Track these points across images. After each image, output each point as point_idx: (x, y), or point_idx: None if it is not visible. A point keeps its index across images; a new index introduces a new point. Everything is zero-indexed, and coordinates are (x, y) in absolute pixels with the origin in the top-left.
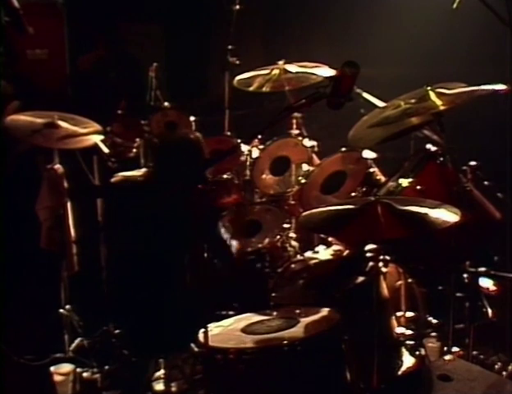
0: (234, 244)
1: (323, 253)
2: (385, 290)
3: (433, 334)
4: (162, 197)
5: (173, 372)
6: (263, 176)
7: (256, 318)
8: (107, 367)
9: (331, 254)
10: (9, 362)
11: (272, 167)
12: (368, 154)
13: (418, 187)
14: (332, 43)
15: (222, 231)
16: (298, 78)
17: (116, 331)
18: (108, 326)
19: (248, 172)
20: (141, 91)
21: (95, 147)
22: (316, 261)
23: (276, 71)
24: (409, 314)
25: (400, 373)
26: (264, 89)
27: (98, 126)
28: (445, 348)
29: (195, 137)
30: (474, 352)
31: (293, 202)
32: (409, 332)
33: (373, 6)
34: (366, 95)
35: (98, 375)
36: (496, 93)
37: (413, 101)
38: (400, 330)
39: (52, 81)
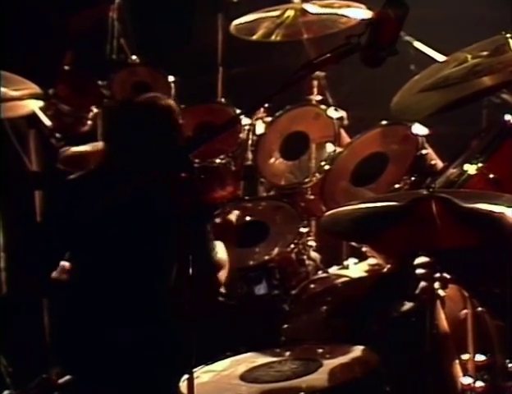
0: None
1: (355, 268)
2: (443, 323)
3: None
4: (126, 188)
5: None
6: (271, 160)
7: (261, 359)
8: None
9: (366, 271)
10: None
11: (283, 148)
12: (420, 130)
13: (491, 176)
14: None
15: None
16: (321, 22)
17: (61, 379)
18: (49, 373)
19: (250, 155)
20: (97, 39)
21: (32, 117)
22: (344, 280)
23: (290, 13)
24: (480, 358)
25: None
26: (273, 37)
27: (35, 88)
28: None
29: (166, 103)
30: None
31: (312, 197)
32: (480, 383)
33: None
34: (418, 45)
35: None
36: None
37: (484, 53)
38: (466, 380)
39: None
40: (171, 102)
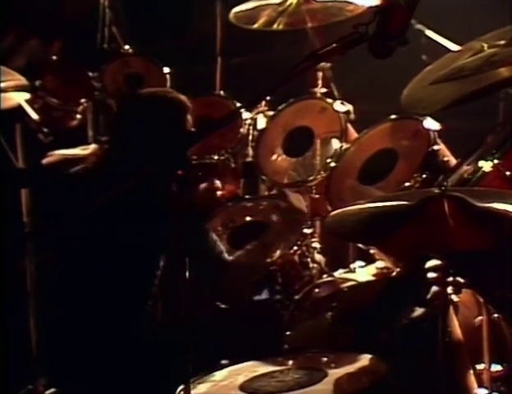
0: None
1: (362, 272)
2: (457, 330)
3: None
4: (123, 188)
5: None
6: (274, 156)
7: (262, 368)
8: None
9: (374, 274)
10: None
11: (286, 144)
12: (432, 124)
13: (508, 173)
14: None
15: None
16: (326, 10)
17: (48, 391)
18: (35, 383)
19: (250, 152)
20: (88, 27)
21: (18, 110)
22: (351, 284)
23: (293, 0)
24: (496, 368)
25: None
26: (275, 26)
27: (21, 79)
28: None
29: (177, 98)
30: None
31: (317, 196)
32: None
33: None
34: (430, 34)
35: None
36: None
37: (502, 43)
38: (481, 392)
39: None
40: (181, 98)
